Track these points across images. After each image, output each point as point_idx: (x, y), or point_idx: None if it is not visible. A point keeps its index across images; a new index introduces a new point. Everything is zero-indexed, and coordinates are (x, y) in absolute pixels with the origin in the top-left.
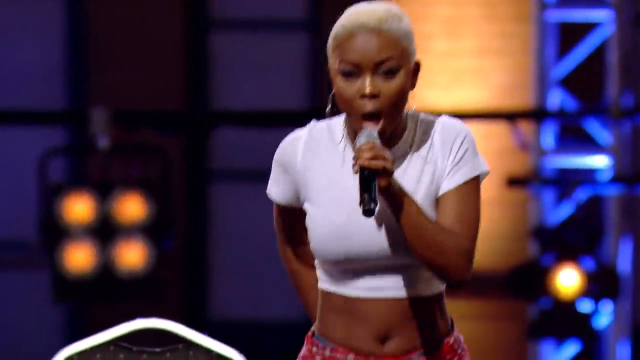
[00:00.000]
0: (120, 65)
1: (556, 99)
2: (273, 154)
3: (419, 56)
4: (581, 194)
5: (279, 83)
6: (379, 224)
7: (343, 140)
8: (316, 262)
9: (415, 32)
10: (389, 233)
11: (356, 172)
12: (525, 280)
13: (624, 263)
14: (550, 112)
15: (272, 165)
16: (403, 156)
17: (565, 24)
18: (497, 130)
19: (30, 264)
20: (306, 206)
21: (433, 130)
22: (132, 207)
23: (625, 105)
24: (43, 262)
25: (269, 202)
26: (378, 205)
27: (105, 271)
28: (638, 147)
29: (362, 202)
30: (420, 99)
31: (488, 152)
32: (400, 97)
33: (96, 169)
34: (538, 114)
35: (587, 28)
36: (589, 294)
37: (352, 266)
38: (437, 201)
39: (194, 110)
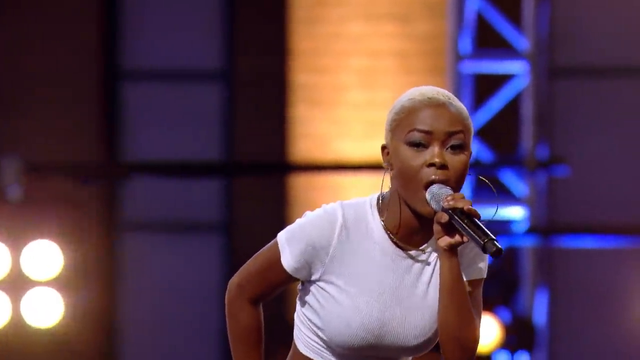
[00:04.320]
0: (32, 115)
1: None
2: (187, 205)
3: (339, 108)
4: None
5: (193, 133)
6: (412, 318)
7: (378, 230)
8: (308, 330)
9: (330, 83)
10: (420, 328)
11: (446, 219)
12: None
13: (539, 314)
14: None
15: (298, 238)
16: (431, 252)
17: (480, 75)
18: None
19: None
20: (328, 289)
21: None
22: (45, 260)
23: (540, 157)
24: None
25: (185, 252)
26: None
27: (18, 325)
28: (553, 198)
29: (485, 243)
30: (334, 149)
31: None
32: (464, 176)
33: (7, 220)
34: None
35: (502, 80)
36: (505, 345)
37: (365, 353)
38: None
39: (107, 161)
